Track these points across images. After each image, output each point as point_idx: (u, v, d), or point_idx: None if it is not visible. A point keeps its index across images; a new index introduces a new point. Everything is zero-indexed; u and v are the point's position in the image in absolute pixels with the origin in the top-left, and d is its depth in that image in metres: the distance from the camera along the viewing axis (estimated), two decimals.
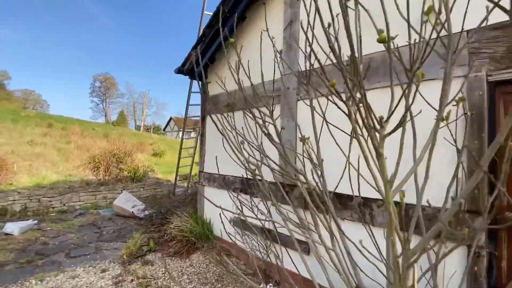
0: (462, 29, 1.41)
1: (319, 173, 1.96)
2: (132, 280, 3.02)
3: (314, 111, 1.90)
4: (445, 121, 1.42)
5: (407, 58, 1.21)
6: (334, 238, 1.86)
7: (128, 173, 7.59)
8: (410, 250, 1.19)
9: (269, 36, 2.35)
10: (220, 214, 4.19)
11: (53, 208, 5.77)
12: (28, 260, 3.41)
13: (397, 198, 1.26)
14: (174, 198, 5.72)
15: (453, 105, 1.45)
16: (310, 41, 1.60)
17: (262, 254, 3.17)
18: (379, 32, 1.07)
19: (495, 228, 1.55)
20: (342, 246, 1.78)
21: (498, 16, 1.43)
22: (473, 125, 1.74)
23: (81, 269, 3.25)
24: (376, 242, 1.72)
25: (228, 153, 3.56)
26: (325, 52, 1.49)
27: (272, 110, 2.38)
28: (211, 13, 3.94)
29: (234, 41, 2.02)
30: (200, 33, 5.61)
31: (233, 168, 3.69)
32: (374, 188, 1.34)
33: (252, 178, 3.51)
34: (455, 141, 1.64)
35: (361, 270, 1.75)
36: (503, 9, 0.87)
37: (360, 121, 1.20)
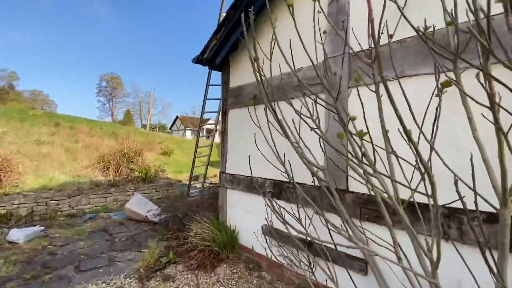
0: None
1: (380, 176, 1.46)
2: None
3: (380, 100, 1.39)
4: None
5: None
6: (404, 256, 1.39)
7: (139, 173, 7.19)
8: None
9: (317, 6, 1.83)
10: (247, 221, 3.75)
11: (61, 211, 5.39)
12: (33, 275, 3.00)
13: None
14: (189, 201, 5.27)
15: None
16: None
17: (304, 270, 2.68)
18: None
19: None
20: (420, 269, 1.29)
21: None
22: None
23: (93, 286, 2.82)
24: (467, 265, 1.23)
25: (262, 152, 3.08)
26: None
27: (315, 101, 1.86)
28: None
29: (292, 2, 1.51)
30: (221, 18, 5.12)
31: (264, 169, 3.22)
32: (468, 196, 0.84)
33: (288, 180, 3.04)
34: None
35: None
36: None
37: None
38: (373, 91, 1.43)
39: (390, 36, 1.46)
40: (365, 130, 1.41)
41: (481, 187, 1.13)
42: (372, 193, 1.55)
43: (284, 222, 2.43)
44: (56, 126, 12.52)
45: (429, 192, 1.17)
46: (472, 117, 1.10)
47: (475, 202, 1.11)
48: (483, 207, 1.19)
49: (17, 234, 4.00)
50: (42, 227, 4.43)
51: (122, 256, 3.63)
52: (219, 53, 3.88)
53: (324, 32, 2.27)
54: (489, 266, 1.09)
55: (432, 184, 1.12)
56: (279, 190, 3.13)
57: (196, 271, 3.21)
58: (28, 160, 7.35)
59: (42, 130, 11.28)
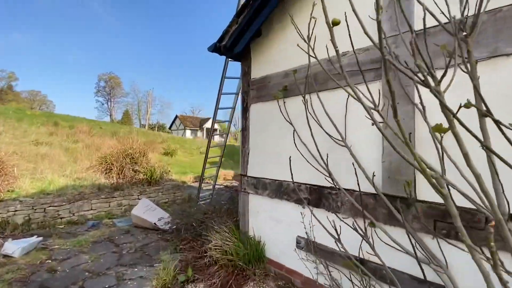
0: None
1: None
2: None
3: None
4: None
5: None
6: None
7: (144, 175, 6.71)
8: None
9: None
10: (275, 231, 3.28)
11: (61, 219, 4.92)
12: None
13: None
14: (202, 206, 4.81)
15: None
16: None
17: None
18: None
19: None
20: None
21: None
22: None
23: None
24: None
25: (301, 151, 2.62)
26: None
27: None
28: None
29: None
30: (241, 2, 4.63)
31: (297, 172, 2.77)
32: None
33: (330, 185, 2.58)
34: None
35: None
36: None
37: None
38: (465, 72, 0.98)
39: None
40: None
41: None
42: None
43: (338, 240, 1.97)
44: (55, 126, 12.03)
45: None
46: None
47: None
48: None
49: (12, 247, 3.53)
50: (40, 238, 3.96)
51: (132, 273, 3.16)
52: (240, 40, 3.40)
53: (378, 6, 1.81)
54: None
55: None
56: (317, 196, 2.67)
57: None
58: (25, 162, 6.87)
59: (40, 130, 10.79)
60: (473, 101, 0.95)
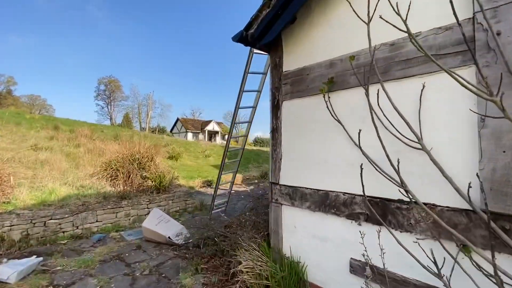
0: None
1: None
2: None
3: None
4: None
5: None
6: None
7: (152, 181, 6.20)
8: None
9: None
10: (319, 252, 2.75)
11: (63, 233, 4.41)
12: None
13: None
14: (224, 218, 4.30)
15: None
16: None
17: None
18: None
19: None
20: None
21: None
22: None
23: None
24: None
25: (347, 156, 2.13)
26: None
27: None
28: None
29: None
30: None
31: (349, 180, 2.29)
32: None
33: (398, 198, 2.10)
34: None
35: None
36: None
37: None
38: None
39: None
40: None
41: None
42: None
43: (438, 274, 1.48)
44: (55, 130, 11.55)
45: None
46: None
47: None
48: None
49: (7, 271, 3.02)
50: (40, 258, 3.45)
51: None
52: (271, 27, 2.93)
53: None
54: None
55: None
56: (381, 211, 2.17)
57: None
58: (23, 169, 6.37)
59: (40, 134, 10.30)
60: None
